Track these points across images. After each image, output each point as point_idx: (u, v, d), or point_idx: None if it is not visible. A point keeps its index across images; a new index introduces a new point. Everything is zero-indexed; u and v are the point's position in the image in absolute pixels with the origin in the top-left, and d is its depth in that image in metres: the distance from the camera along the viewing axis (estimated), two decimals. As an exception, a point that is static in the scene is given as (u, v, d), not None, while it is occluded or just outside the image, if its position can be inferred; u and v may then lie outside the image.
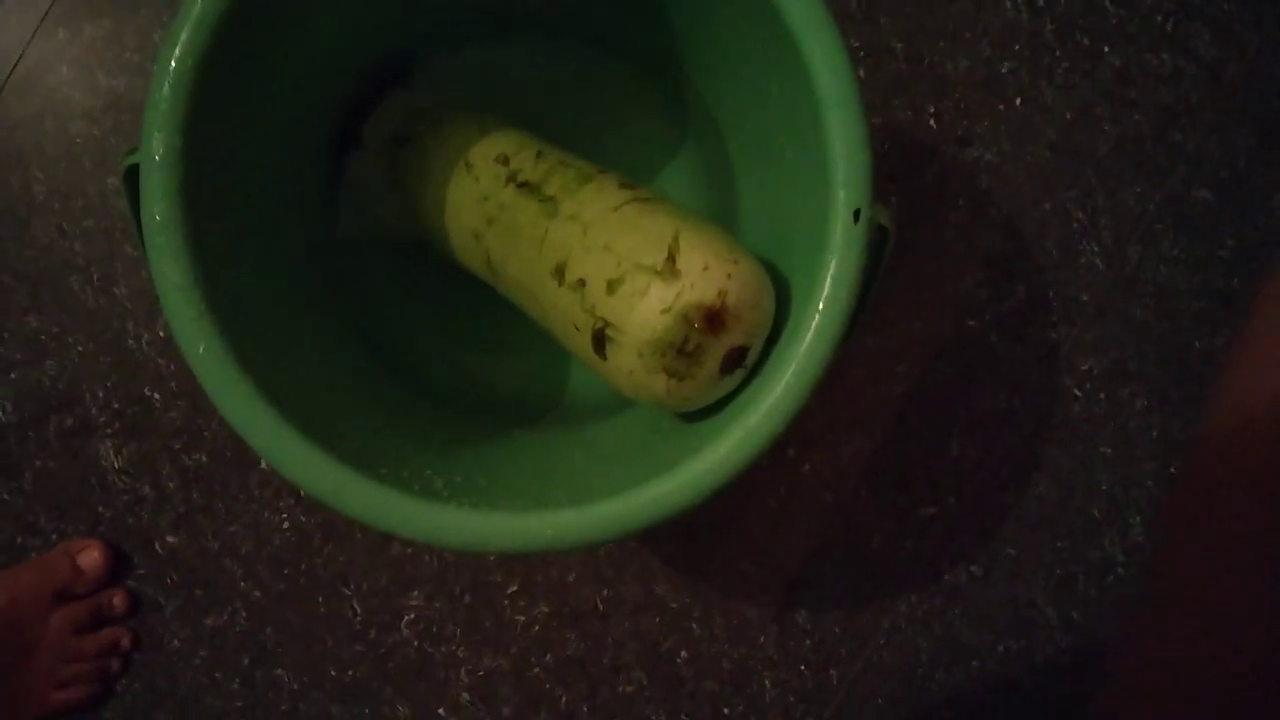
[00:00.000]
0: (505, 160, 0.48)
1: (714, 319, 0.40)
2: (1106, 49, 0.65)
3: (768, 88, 0.45)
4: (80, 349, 0.64)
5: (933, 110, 0.65)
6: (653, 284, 0.40)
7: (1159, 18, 0.65)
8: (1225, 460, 0.34)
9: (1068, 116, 0.65)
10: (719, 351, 0.41)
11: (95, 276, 0.64)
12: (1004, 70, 0.65)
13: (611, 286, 0.41)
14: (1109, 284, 0.66)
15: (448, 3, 0.52)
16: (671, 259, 0.41)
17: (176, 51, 0.38)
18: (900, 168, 0.65)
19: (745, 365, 0.43)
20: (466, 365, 0.56)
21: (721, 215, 0.55)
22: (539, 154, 0.48)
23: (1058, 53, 0.65)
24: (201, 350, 0.38)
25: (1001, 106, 0.65)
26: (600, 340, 0.42)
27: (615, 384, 0.44)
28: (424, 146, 0.50)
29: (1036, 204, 0.66)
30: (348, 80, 0.51)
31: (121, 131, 0.64)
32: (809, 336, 0.40)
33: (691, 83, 0.53)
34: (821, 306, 0.40)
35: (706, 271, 0.40)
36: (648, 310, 0.40)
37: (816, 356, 0.40)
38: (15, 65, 0.64)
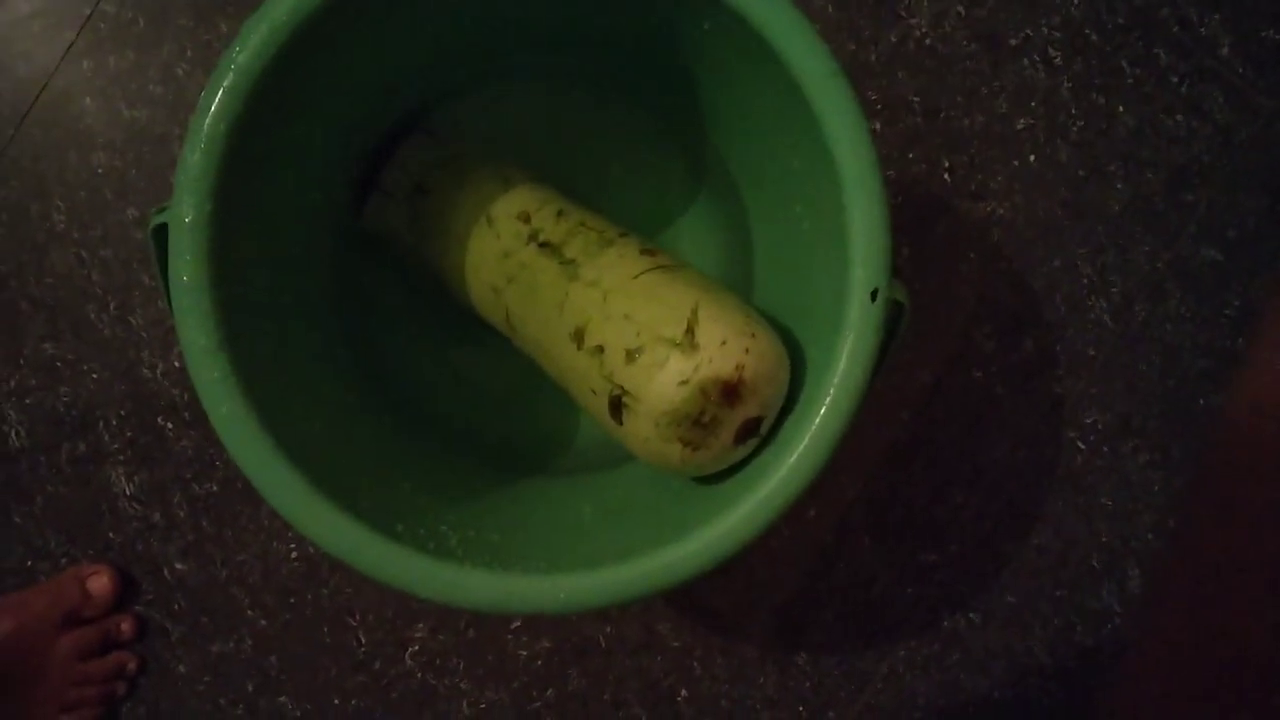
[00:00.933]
0: (526, 218, 0.48)
1: (730, 392, 0.41)
2: (1122, 108, 0.66)
3: (789, 159, 0.45)
4: (95, 377, 0.65)
5: (947, 164, 0.66)
6: (671, 356, 0.41)
7: (1174, 79, 0.66)
8: (1240, 458, 0.34)
9: (1081, 174, 0.66)
10: (734, 422, 0.42)
11: (112, 305, 0.65)
12: (1020, 127, 0.66)
13: (630, 356, 0.42)
14: (1116, 340, 0.67)
15: (482, 51, 0.53)
16: (690, 331, 0.41)
17: (209, 118, 0.38)
18: (913, 220, 0.66)
19: (759, 434, 0.43)
20: (481, 414, 0.57)
21: (736, 270, 0.56)
22: (560, 213, 0.48)
23: (1073, 111, 0.66)
24: (225, 411, 0.39)
25: (1016, 162, 0.66)
26: (617, 407, 0.43)
27: (629, 448, 0.45)
28: (445, 198, 0.50)
29: (1047, 259, 0.66)
30: (373, 132, 0.52)
31: (143, 164, 0.64)
32: (823, 411, 0.41)
33: (712, 141, 0.54)
34: (836, 382, 0.41)
35: (725, 346, 0.41)
36: (666, 382, 0.41)
37: (830, 430, 0.41)
38: (39, 95, 0.64)
